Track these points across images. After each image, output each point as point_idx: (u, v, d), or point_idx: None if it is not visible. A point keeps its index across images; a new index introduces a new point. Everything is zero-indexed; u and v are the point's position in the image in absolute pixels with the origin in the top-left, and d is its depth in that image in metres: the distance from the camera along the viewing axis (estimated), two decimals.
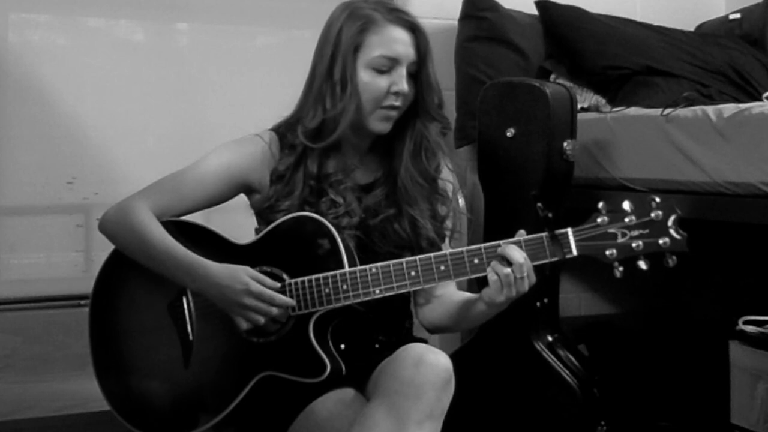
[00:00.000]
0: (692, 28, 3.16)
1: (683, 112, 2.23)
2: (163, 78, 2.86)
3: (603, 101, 2.70)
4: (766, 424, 2.34)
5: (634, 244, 1.56)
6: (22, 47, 2.76)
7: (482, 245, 1.63)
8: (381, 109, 1.77)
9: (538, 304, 2.36)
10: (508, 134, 2.36)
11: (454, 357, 1.60)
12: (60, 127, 2.76)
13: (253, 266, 1.69)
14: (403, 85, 1.75)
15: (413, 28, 1.78)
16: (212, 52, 2.95)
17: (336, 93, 1.75)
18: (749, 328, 2.44)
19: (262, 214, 1.82)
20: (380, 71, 1.75)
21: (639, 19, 2.99)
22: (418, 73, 1.79)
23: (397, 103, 1.77)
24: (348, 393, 1.70)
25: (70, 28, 2.84)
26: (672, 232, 1.54)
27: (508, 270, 1.59)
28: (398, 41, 1.75)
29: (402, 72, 1.76)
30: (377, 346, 1.81)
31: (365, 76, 1.75)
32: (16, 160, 2.73)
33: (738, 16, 3.07)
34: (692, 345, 2.86)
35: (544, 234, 1.61)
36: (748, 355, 2.41)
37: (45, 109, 2.74)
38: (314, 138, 1.78)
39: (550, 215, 1.63)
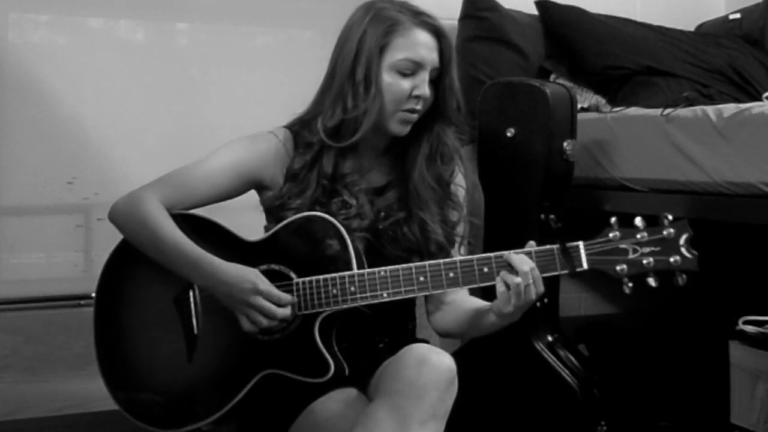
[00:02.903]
0: (692, 28, 3.17)
1: (683, 112, 2.23)
2: (163, 78, 2.86)
3: (603, 101, 2.70)
4: (766, 424, 2.34)
5: (644, 261, 1.55)
6: (22, 47, 2.76)
7: (492, 254, 1.62)
8: (401, 112, 1.76)
9: (538, 304, 2.34)
10: (508, 134, 2.36)
11: (454, 357, 1.60)
12: (60, 127, 2.76)
13: (261, 263, 1.69)
14: (425, 90, 1.75)
15: (438, 33, 1.77)
16: (212, 52, 2.95)
17: (359, 93, 1.74)
18: (749, 328, 2.44)
19: (272, 212, 1.81)
20: (404, 74, 1.74)
21: (639, 19, 2.99)
22: (441, 77, 1.78)
23: (418, 107, 1.76)
24: (350, 393, 1.70)
25: (70, 28, 2.84)
26: (683, 250, 1.54)
27: (518, 279, 1.58)
28: (424, 45, 1.75)
29: (425, 76, 1.75)
30: (381, 346, 1.81)
31: (388, 78, 1.74)
32: (16, 160, 2.73)
33: (738, 16, 3.08)
34: (692, 345, 2.87)
35: (555, 246, 1.60)
36: (748, 355, 2.41)
37: (45, 109, 2.75)
38: (333, 136, 1.77)
39: (561, 227, 1.62)
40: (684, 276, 1.54)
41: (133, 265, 1.79)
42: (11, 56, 2.72)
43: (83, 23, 2.86)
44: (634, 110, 2.48)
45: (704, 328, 2.87)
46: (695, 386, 2.72)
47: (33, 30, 2.82)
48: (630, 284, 1.57)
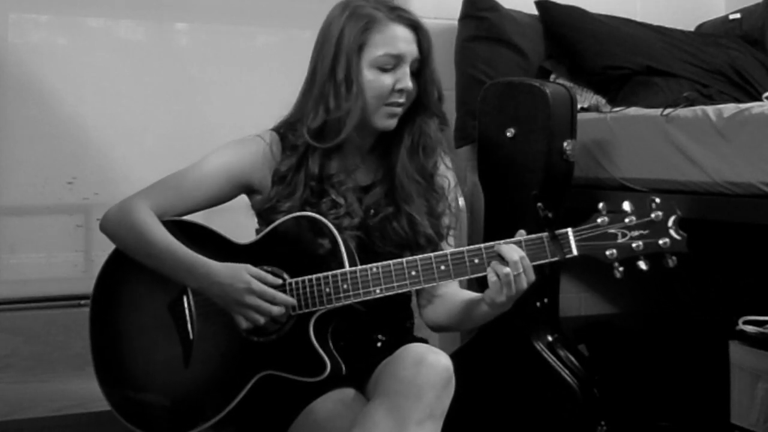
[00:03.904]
0: (692, 28, 3.16)
1: (683, 112, 2.23)
2: (163, 78, 2.86)
3: (603, 101, 2.70)
4: (766, 424, 2.34)
5: (634, 245, 1.56)
6: (22, 47, 2.76)
7: (482, 245, 1.63)
8: (385, 107, 1.77)
9: (538, 304, 2.36)
10: (508, 134, 2.36)
11: (454, 357, 1.60)
12: (60, 127, 2.76)
13: (254, 265, 1.69)
14: (408, 83, 1.76)
15: (415, 26, 1.78)
16: (212, 52, 2.95)
17: (340, 93, 1.75)
18: (749, 328, 2.44)
19: (263, 215, 1.81)
20: (384, 69, 1.75)
21: (639, 19, 2.99)
22: (421, 69, 1.79)
23: (401, 100, 1.77)
24: (348, 393, 1.70)
25: (70, 28, 2.84)
26: (672, 232, 1.54)
27: (507, 269, 1.59)
28: (402, 39, 1.75)
29: (406, 69, 1.76)
30: (378, 345, 1.81)
31: (369, 75, 1.75)
32: (16, 160, 2.73)
33: (738, 16, 3.07)
34: (692, 345, 2.86)
35: (544, 234, 1.61)
36: (748, 355, 2.41)
37: (45, 109, 2.75)
38: (318, 138, 1.77)
39: (550, 215, 1.63)
40: (674, 258, 1.54)
41: (127, 271, 1.80)
42: (11, 56, 2.72)
43: (83, 23, 2.86)
44: (634, 110, 2.48)
45: (704, 328, 2.87)
46: (695, 386, 2.72)
47: (33, 30, 2.82)
48: (620, 269, 1.57)
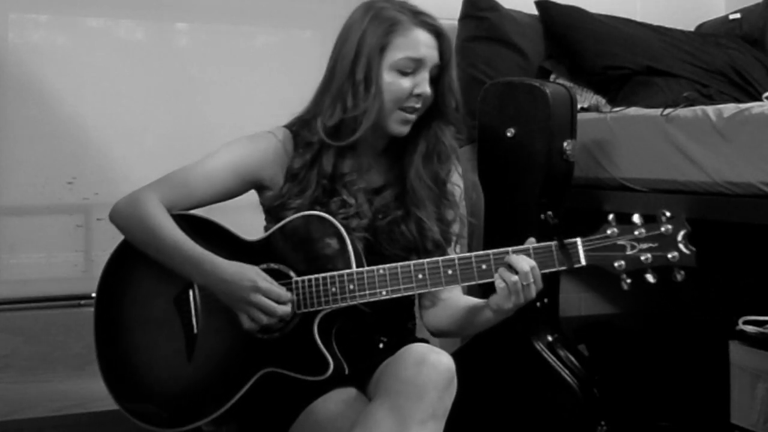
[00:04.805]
0: (692, 28, 3.17)
1: (683, 112, 2.23)
2: (163, 78, 2.87)
3: (603, 101, 2.70)
4: (766, 424, 2.34)
5: (643, 257, 1.56)
6: (22, 47, 2.76)
7: (491, 251, 1.63)
8: (401, 111, 1.77)
9: (538, 304, 2.36)
10: (508, 134, 2.36)
11: (454, 357, 1.60)
12: (60, 127, 2.76)
13: (260, 263, 1.70)
14: (426, 88, 1.76)
15: (438, 32, 1.78)
16: (212, 52, 2.95)
17: (359, 93, 1.75)
18: (749, 328, 2.44)
19: (272, 212, 1.81)
20: (404, 73, 1.75)
21: (639, 19, 3.00)
22: (440, 76, 1.79)
23: (418, 105, 1.77)
24: (350, 393, 1.70)
25: (70, 28, 2.84)
26: (681, 246, 1.55)
27: (516, 278, 1.58)
28: (424, 44, 1.76)
29: (425, 75, 1.76)
30: (380, 346, 1.81)
31: (388, 77, 1.75)
32: (16, 160, 2.73)
33: (738, 16, 3.08)
34: (692, 345, 2.87)
35: (553, 243, 1.60)
36: (748, 355, 2.41)
37: (45, 109, 2.75)
38: (333, 136, 1.77)
39: (559, 223, 1.63)
40: (682, 272, 1.55)
41: (132, 266, 1.80)
42: (11, 56, 2.72)
43: (83, 23, 2.87)
44: (634, 110, 2.48)
45: (704, 328, 2.87)
46: (695, 386, 2.72)
47: (33, 30, 2.82)
48: (628, 280, 1.57)
